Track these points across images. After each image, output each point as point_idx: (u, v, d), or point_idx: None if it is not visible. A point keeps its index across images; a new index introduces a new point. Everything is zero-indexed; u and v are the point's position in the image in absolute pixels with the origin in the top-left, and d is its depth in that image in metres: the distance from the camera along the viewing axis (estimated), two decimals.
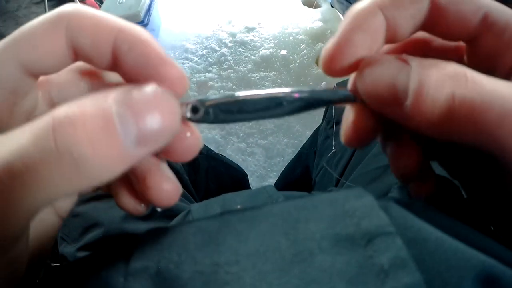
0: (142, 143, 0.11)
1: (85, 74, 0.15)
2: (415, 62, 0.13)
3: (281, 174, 0.73)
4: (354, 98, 0.15)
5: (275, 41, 1.49)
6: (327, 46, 0.15)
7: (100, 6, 1.56)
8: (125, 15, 1.43)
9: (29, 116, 0.14)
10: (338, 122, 0.51)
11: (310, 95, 0.14)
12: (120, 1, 1.47)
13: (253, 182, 1.11)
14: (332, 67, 0.15)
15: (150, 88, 0.11)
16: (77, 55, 0.13)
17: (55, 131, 0.10)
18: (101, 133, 0.10)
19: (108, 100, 0.11)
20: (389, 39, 0.15)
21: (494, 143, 0.12)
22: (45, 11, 1.57)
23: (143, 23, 1.42)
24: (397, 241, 0.12)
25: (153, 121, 0.11)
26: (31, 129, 0.10)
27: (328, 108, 0.54)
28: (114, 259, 0.13)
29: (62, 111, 0.10)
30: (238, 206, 0.18)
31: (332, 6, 1.47)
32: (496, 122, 0.12)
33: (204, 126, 1.28)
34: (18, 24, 1.66)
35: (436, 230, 0.13)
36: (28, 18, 1.68)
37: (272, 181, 1.07)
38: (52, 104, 0.15)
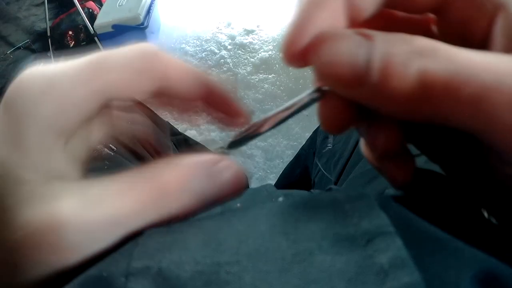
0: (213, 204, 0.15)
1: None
2: (378, 37, 0.12)
3: (281, 175, 0.73)
4: (319, 97, 0.14)
5: (274, 44, 1.50)
6: (286, 31, 0.13)
7: (99, 9, 1.57)
8: (125, 18, 1.43)
9: (87, 128, 0.16)
10: None
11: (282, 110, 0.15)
12: (120, 4, 1.47)
13: (253, 184, 1.11)
14: (290, 52, 0.13)
15: (226, 167, 0.15)
16: (160, 92, 0.15)
17: (156, 200, 0.13)
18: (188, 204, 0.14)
19: (194, 179, 0.14)
20: (352, 18, 0.13)
21: (474, 121, 0.11)
22: (45, 13, 1.57)
23: (143, 25, 1.42)
24: (397, 241, 0.12)
25: (225, 192, 0.15)
26: (136, 193, 0.13)
27: None
28: (115, 259, 0.13)
29: (154, 187, 0.14)
30: (238, 205, 0.18)
31: None
32: (475, 98, 0.10)
33: (203, 127, 1.27)
34: (19, 25, 1.66)
35: (435, 229, 0.13)
36: (28, 19, 1.68)
37: (271, 182, 1.07)
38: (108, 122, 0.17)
